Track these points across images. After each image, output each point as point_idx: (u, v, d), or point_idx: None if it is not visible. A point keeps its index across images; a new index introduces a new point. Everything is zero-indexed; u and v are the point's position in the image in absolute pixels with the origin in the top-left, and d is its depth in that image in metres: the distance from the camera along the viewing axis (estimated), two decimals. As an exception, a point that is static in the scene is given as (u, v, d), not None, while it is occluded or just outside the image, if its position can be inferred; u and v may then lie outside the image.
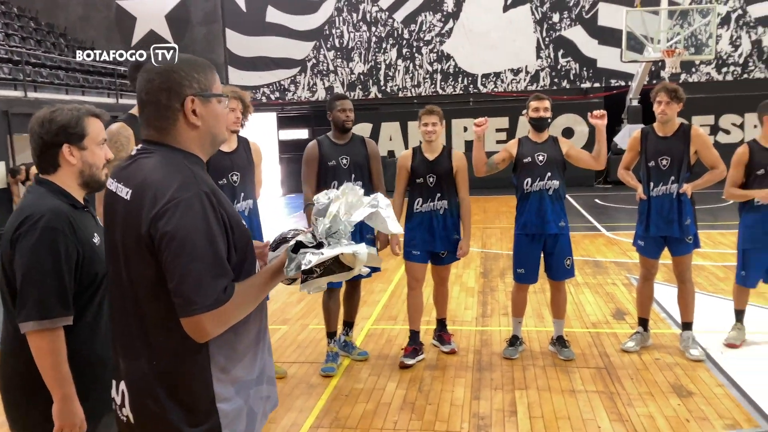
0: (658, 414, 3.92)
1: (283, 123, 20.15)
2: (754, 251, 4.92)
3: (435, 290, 5.22)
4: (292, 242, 1.76)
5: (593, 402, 4.13)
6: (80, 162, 2.24)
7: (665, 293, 6.20)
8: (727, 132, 17.75)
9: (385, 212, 1.83)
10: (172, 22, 20.34)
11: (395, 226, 1.86)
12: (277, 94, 20.23)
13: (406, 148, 18.59)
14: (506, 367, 4.78)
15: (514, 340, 5.06)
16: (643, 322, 5.11)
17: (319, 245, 1.74)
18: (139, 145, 1.79)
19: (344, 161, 4.81)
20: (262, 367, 1.85)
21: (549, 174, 4.78)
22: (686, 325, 4.97)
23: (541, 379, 4.53)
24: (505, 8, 19.05)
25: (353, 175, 4.80)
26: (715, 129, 17.51)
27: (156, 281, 1.64)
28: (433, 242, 4.86)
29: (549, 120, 4.86)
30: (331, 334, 4.95)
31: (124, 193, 1.71)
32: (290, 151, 19.07)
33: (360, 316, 5.58)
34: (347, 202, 1.80)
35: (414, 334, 5.01)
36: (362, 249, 1.73)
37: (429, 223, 4.85)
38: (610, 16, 18.05)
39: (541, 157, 4.78)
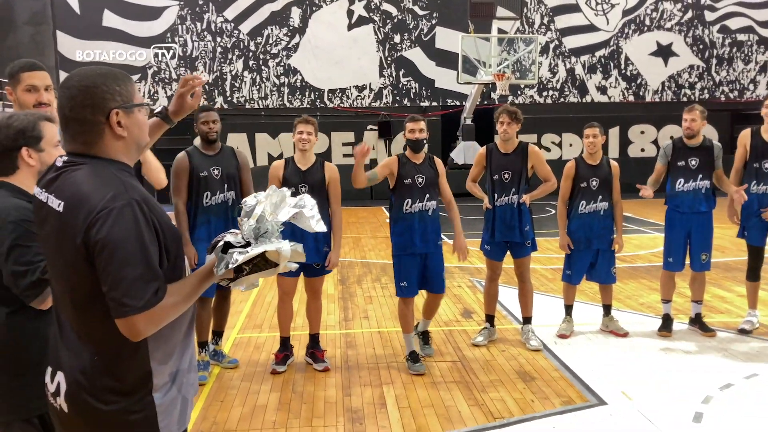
0: (508, 397, 4.45)
1: (122, 132, 19.19)
2: (576, 252, 5.69)
3: (309, 304, 5.17)
4: (221, 243, 1.87)
5: (452, 391, 4.58)
6: (38, 163, 2.35)
7: (504, 293, 6.90)
8: (548, 149, 19.70)
9: (310, 212, 1.97)
10: (-7, 20, 18.66)
11: (319, 226, 1.99)
12: (115, 102, 19.25)
13: (254, 159, 18.54)
14: (372, 366, 5.12)
15: (415, 356, 5.01)
16: (490, 319, 5.70)
17: (247, 245, 1.87)
18: (65, 157, 1.84)
19: (216, 172, 4.87)
20: (192, 355, 1.99)
21: (428, 195, 4.95)
22: (526, 320, 5.63)
23: (405, 374, 4.91)
24: (350, 27, 19.73)
25: (226, 185, 4.87)
26: (538, 147, 19.36)
27: (93, 286, 1.73)
28: (306, 254, 4.93)
29: (425, 141, 5.03)
30: (202, 344, 4.98)
31: (56, 204, 1.77)
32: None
33: (225, 326, 5.63)
34: (272, 203, 1.92)
35: (284, 341, 5.14)
36: (285, 246, 1.86)
37: (300, 234, 4.92)
38: (446, 40, 19.35)
39: (420, 179, 4.94)
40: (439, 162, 5.15)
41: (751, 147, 5.61)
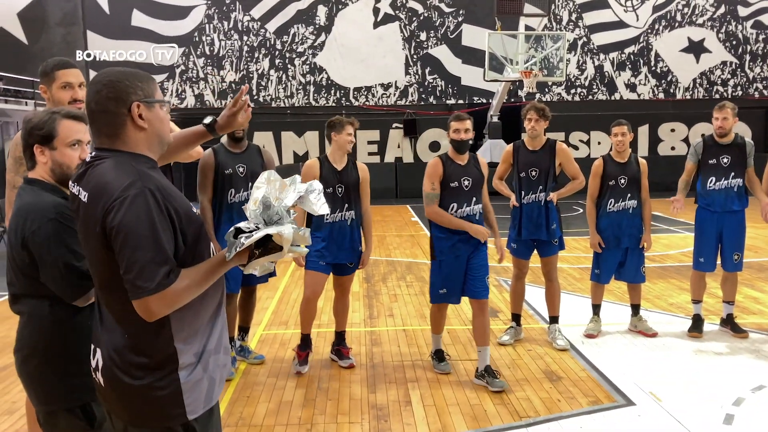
0: (534, 396, 4.41)
1: (150, 130, 19.45)
2: (605, 251, 5.62)
3: (337, 302, 5.17)
4: (232, 229, 1.96)
5: (478, 390, 4.56)
6: (50, 161, 2.41)
7: (531, 292, 6.84)
8: (576, 148, 19.50)
9: (315, 196, 2.03)
10: (26, 21, 19.03)
11: (323, 208, 2.05)
12: (144, 101, 19.52)
13: (279, 158, 18.66)
14: (397, 364, 5.11)
15: (441, 355, 4.98)
16: (516, 318, 5.65)
17: (256, 230, 1.94)
18: (93, 153, 1.97)
19: (241, 169, 4.91)
20: (219, 337, 2.06)
21: (474, 198, 4.68)
22: (553, 319, 5.57)
23: (430, 373, 4.90)
24: (375, 25, 19.73)
25: (250, 184, 4.91)
26: (566, 145, 19.18)
27: (114, 270, 1.85)
28: (340, 253, 4.85)
29: (471, 141, 4.74)
30: (228, 340, 5.02)
31: (83, 196, 1.92)
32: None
33: (251, 322, 5.67)
34: (276, 188, 1.98)
35: (305, 338, 5.04)
36: (287, 229, 1.91)
37: (338, 234, 4.82)
38: (473, 38, 19.26)
39: (467, 182, 4.67)
40: (483, 162, 4.87)
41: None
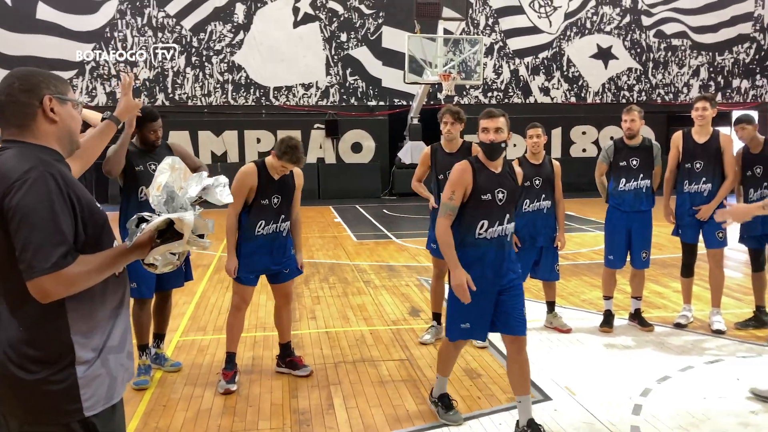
0: (455, 394, 4.46)
1: (58, 129, 18.51)
2: (521, 250, 5.73)
3: (280, 311, 4.93)
4: (134, 218, 1.94)
5: (400, 390, 4.59)
6: None
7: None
8: (493, 149, 19.96)
9: (221, 188, 2.03)
10: None
11: (227, 197, 2.05)
12: (50, 98, 18.55)
13: (197, 156, 18.15)
14: (319, 366, 5.07)
15: (448, 401, 4.13)
16: (437, 317, 5.72)
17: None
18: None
19: (152, 167, 4.76)
20: (122, 337, 2.04)
21: (508, 216, 3.75)
22: (472, 318, 5.67)
23: (353, 375, 4.89)
24: (296, 24, 19.54)
25: None
26: (483, 146, 19.63)
27: (10, 254, 1.83)
28: (273, 262, 4.68)
29: (505, 144, 3.82)
30: (142, 347, 4.84)
31: None
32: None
33: (167, 329, 5.48)
34: (179, 177, 1.98)
35: (231, 356, 4.75)
36: (188, 215, 1.90)
37: (270, 245, 4.61)
38: (393, 40, 19.39)
39: (501, 194, 3.73)
40: (519, 171, 3.99)
41: (683, 148, 5.80)
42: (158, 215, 1.90)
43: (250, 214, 4.55)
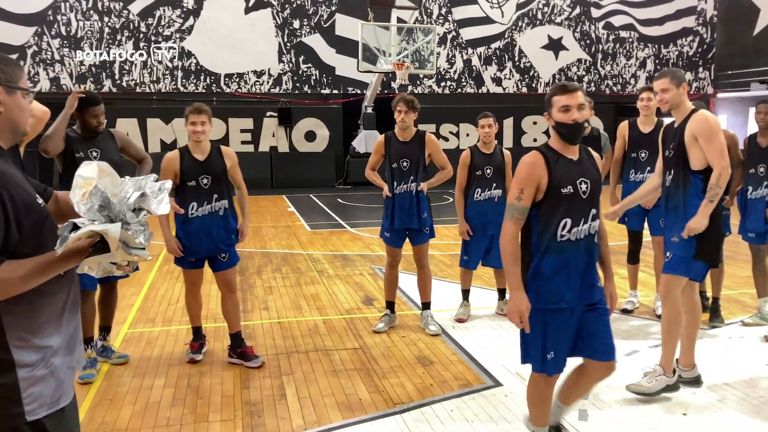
0: (408, 382, 4.50)
1: (-2, 116, 17.78)
2: (473, 238, 5.83)
3: (225, 301, 4.91)
4: (68, 223, 1.82)
5: (353, 379, 4.58)
6: None
7: (404, 280, 6.98)
8: (447, 139, 20.12)
9: (158, 195, 1.91)
10: None
11: (162, 208, 1.93)
12: (-11, 83, 17.80)
13: (146, 146, 17.74)
14: (271, 357, 5.03)
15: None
16: (390, 305, 5.74)
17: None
18: None
19: (94, 154, 4.64)
20: (71, 338, 1.98)
21: (594, 211, 3.15)
22: (425, 305, 5.72)
23: (305, 364, 4.87)
24: (247, 10, 19.21)
25: None
26: (436, 137, 19.73)
27: None
28: (213, 244, 4.70)
29: (587, 125, 3.37)
30: (87, 340, 4.70)
31: None
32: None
33: (114, 321, 5.35)
34: (112, 183, 1.86)
35: (197, 330, 5.03)
36: (114, 228, 1.78)
37: (208, 227, 4.64)
38: (346, 27, 19.25)
39: (585, 186, 3.13)
40: (597, 156, 3.39)
41: (629, 138, 5.93)
42: (91, 222, 1.79)
43: (181, 197, 4.63)
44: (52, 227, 1.92)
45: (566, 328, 3.14)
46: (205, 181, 4.63)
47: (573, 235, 3.06)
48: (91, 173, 1.85)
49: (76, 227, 1.79)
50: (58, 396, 1.92)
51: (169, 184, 1.97)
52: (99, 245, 1.79)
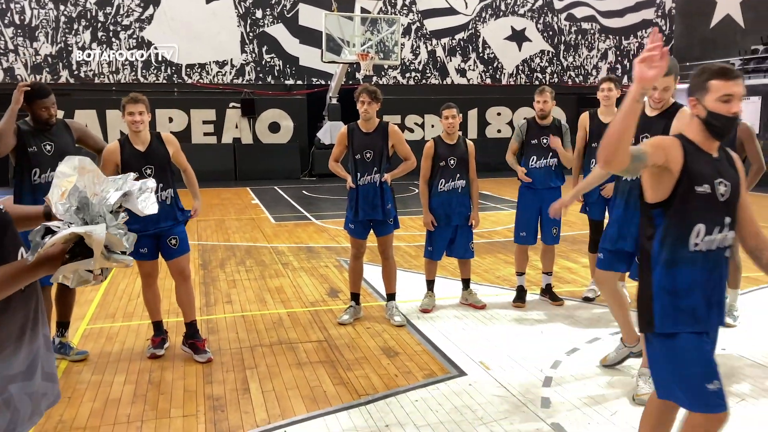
0: (373, 373, 4.50)
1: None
2: (437, 229, 5.84)
3: (178, 289, 4.85)
4: (40, 228, 1.66)
5: (318, 371, 4.56)
6: None
7: (369, 271, 6.97)
8: (411, 130, 20.13)
9: (143, 195, 1.82)
10: None
11: (150, 208, 1.83)
12: (-61, 73, 17.22)
13: (105, 138, 17.34)
14: (235, 350, 4.97)
15: None
16: (355, 297, 5.72)
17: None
18: None
19: (48, 147, 4.53)
20: (32, 361, 1.79)
21: (729, 220, 2.63)
22: (390, 296, 5.72)
23: (270, 357, 4.82)
24: (208, 0, 18.90)
25: (58, 163, 4.52)
26: (401, 128, 19.73)
27: None
28: (161, 230, 4.65)
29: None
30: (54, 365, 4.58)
31: None
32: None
33: (72, 317, 5.23)
34: (92, 181, 1.74)
35: (157, 324, 4.95)
36: (98, 229, 1.64)
37: (156, 215, 4.67)
38: (310, 17, 19.08)
39: (722, 188, 2.59)
40: (737, 157, 2.81)
41: (590, 129, 5.99)
42: (68, 226, 1.64)
43: None
44: (13, 236, 1.77)
45: (693, 351, 2.58)
46: (148, 171, 4.53)
47: (704, 245, 2.57)
48: (70, 170, 1.71)
49: (48, 231, 1.64)
50: (14, 428, 1.74)
51: (152, 183, 1.86)
52: (77, 250, 1.64)
